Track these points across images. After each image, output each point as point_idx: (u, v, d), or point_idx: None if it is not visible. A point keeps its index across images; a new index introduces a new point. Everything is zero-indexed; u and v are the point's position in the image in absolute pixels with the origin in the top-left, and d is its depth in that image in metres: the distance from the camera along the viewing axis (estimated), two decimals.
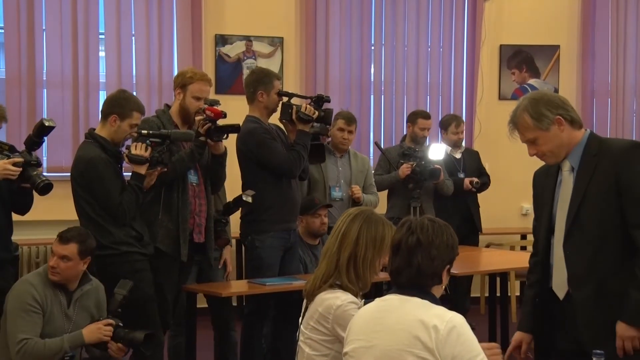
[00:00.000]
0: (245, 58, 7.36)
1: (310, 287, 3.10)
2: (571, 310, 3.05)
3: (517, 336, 3.24)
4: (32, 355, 3.75)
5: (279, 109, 5.00)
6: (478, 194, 6.84)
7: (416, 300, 2.51)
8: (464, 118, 7.66)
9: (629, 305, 2.91)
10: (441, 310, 2.50)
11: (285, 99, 5.03)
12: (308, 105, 4.96)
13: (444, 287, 2.63)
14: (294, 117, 4.91)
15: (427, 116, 6.69)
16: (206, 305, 5.11)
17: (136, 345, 3.97)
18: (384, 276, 3.33)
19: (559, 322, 3.13)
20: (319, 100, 5.05)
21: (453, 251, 2.59)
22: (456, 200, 6.59)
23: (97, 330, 3.86)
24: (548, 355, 3.22)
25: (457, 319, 2.46)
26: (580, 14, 7.98)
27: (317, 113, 4.93)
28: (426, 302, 2.51)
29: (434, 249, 2.52)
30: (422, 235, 2.53)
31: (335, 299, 2.97)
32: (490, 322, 6.13)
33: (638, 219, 2.94)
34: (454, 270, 5.38)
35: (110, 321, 3.89)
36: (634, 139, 7.63)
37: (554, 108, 3.02)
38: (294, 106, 4.96)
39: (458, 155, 6.86)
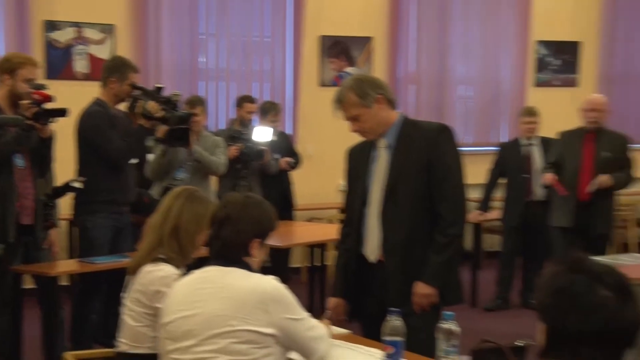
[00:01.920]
0: (75, 44, 6.96)
1: (134, 262, 2.99)
2: (381, 275, 3.09)
3: (331, 302, 3.24)
4: None
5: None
6: (292, 172, 6.91)
7: (236, 270, 2.44)
8: (290, 104, 7.75)
9: (427, 267, 3.00)
10: (259, 276, 2.45)
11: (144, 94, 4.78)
12: (154, 104, 4.71)
13: (260, 259, 2.57)
14: (136, 111, 4.68)
15: (252, 100, 6.69)
16: (34, 286, 4.74)
17: None
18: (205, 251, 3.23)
19: (369, 287, 3.16)
20: (167, 103, 4.79)
21: (262, 225, 2.53)
22: (274, 178, 6.60)
23: None
24: (359, 317, 3.24)
25: (274, 281, 2.43)
26: (389, 9, 8.11)
27: (162, 113, 4.70)
28: (245, 272, 2.45)
29: (241, 223, 2.47)
30: (231, 210, 2.50)
31: (159, 271, 2.86)
32: (310, 290, 6.18)
33: (442, 194, 3.02)
34: (274, 243, 5.41)
35: None
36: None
37: (376, 88, 3.07)
38: (141, 101, 4.71)
39: (275, 138, 6.79)
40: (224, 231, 2.47)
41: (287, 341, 2.39)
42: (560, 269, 1.62)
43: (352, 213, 3.22)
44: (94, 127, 4.65)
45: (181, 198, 2.95)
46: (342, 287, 3.23)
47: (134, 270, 2.94)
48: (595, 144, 5.57)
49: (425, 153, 3.02)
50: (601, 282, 1.57)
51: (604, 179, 5.51)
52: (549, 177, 5.62)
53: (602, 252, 5.44)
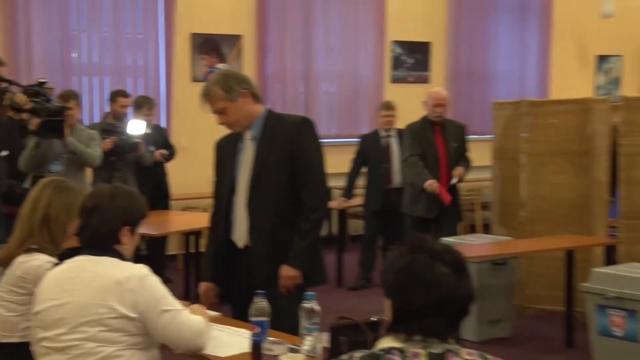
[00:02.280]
0: None
1: (5, 253, 2.85)
2: (249, 260, 3.08)
3: (202, 286, 3.21)
4: None
5: None
6: (168, 164, 6.78)
7: (106, 259, 2.38)
8: (164, 98, 7.60)
9: (292, 251, 3.02)
10: (130, 265, 2.39)
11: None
12: (22, 96, 4.45)
13: (132, 246, 2.50)
14: (4, 103, 4.42)
15: (126, 95, 6.51)
16: None
17: None
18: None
19: (237, 271, 3.14)
20: (37, 95, 4.53)
21: (131, 214, 2.46)
22: (149, 170, 6.46)
23: None
24: (229, 300, 3.23)
25: (144, 270, 2.37)
26: (257, 9, 8.09)
27: (31, 105, 4.44)
28: (116, 260, 2.38)
29: (109, 212, 2.40)
30: (99, 200, 2.43)
31: (35, 260, 2.74)
32: (186, 276, 6.13)
33: (305, 183, 3.04)
34: (149, 232, 5.33)
35: None
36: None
37: (241, 82, 3.05)
38: (9, 93, 4.43)
39: (149, 131, 6.64)
40: (93, 220, 2.40)
41: (152, 330, 2.32)
42: (403, 250, 1.66)
43: (220, 202, 3.19)
44: None
45: (49, 188, 2.84)
46: (212, 271, 3.20)
47: (5, 261, 2.81)
48: (443, 135, 5.75)
49: (288, 144, 3.02)
50: (440, 260, 1.62)
51: (461, 172, 5.70)
52: (435, 185, 5.50)
53: (453, 234, 5.66)
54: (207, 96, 3.03)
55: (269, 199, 3.03)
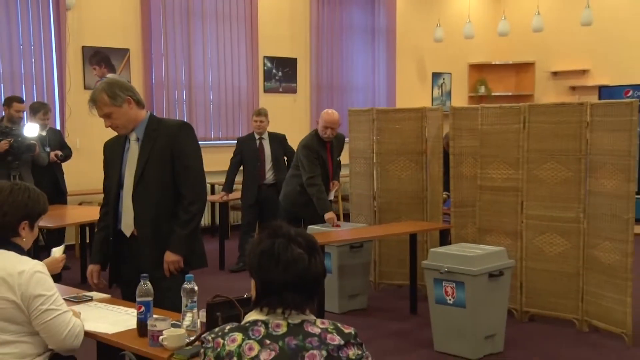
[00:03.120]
0: None
1: None
2: (136, 246, 3.02)
3: (89, 268, 3.11)
4: None
5: None
6: (63, 163, 6.51)
7: (6, 253, 2.28)
8: (57, 104, 7.28)
9: (173, 239, 2.98)
10: (26, 260, 2.30)
11: None
12: None
13: (31, 239, 2.42)
14: None
15: (21, 100, 6.20)
16: None
17: None
18: None
19: (126, 257, 3.07)
20: None
21: (29, 209, 2.37)
22: (45, 168, 6.19)
23: None
24: (118, 284, 3.16)
25: (38, 267, 2.28)
26: (142, 25, 7.88)
27: None
28: (14, 254, 2.29)
29: (6, 207, 2.31)
30: None
31: None
32: (82, 264, 5.99)
33: (184, 179, 2.98)
34: (47, 224, 5.09)
35: None
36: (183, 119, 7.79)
37: (125, 90, 2.96)
38: None
39: (44, 133, 6.34)
40: None
41: (34, 323, 2.24)
42: (263, 235, 1.67)
43: (109, 195, 3.11)
44: None
45: None
46: (98, 255, 3.12)
47: None
48: (331, 152, 5.52)
49: (168, 145, 2.97)
50: (295, 243, 1.64)
51: (337, 186, 5.69)
52: (333, 220, 5.19)
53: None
54: (95, 102, 2.93)
55: (152, 193, 2.97)
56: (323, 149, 5.43)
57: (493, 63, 11.13)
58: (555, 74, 10.71)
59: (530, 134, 4.83)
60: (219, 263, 6.54)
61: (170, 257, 2.98)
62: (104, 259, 3.11)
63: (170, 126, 3.04)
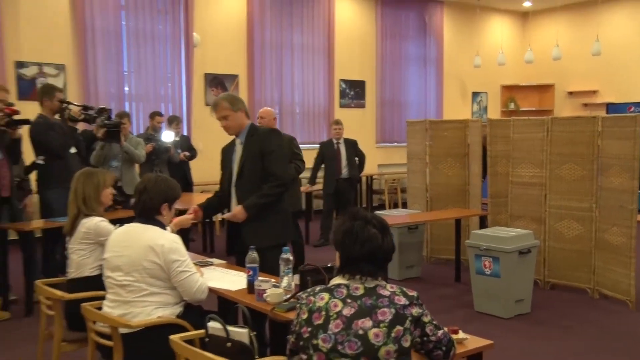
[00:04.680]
0: (38, 77, 6.40)
1: (68, 223, 2.78)
2: (240, 224, 2.95)
3: (195, 206, 3.02)
4: None
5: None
6: (190, 162, 6.64)
7: (153, 227, 2.32)
8: (185, 117, 7.50)
9: (250, 199, 2.90)
10: (167, 233, 2.34)
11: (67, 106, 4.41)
12: (76, 110, 4.39)
13: (169, 217, 2.45)
14: (65, 117, 4.32)
15: (160, 114, 6.41)
16: (16, 238, 4.33)
17: None
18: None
19: (238, 232, 2.99)
20: (85, 108, 4.47)
21: (168, 194, 2.39)
22: (177, 165, 6.36)
23: None
24: (233, 253, 3.13)
25: (175, 238, 2.32)
26: (246, 57, 7.93)
27: (82, 116, 4.40)
28: (158, 228, 2.32)
29: (152, 192, 2.36)
30: (147, 184, 2.38)
31: (92, 219, 2.72)
32: (203, 237, 6.15)
33: (271, 170, 2.92)
34: (179, 207, 5.22)
35: None
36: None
37: (240, 102, 2.95)
38: (67, 109, 4.36)
39: (177, 139, 6.51)
40: (142, 198, 2.35)
41: (172, 281, 2.27)
42: (345, 217, 1.64)
43: (223, 184, 3.11)
44: (38, 133, 4.30)
45: (81, 177, 2.79)
46: (204, 204, 3.07)
47: (68, 230, 2.76)
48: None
49: (259, 146, 2.93)
50: (370, 224, 1.61)
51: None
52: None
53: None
54: (216, 106, 2.92)
55: (251, 183, 2.94)
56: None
57: (521, 85, 10.73)
58: (570, 93, 10.27)
59: (552, 140, 4.63)
60: (306, 238, 6.56)
61: (239, 211, 2.90)
62: (206, 209, 3.06)
63: (262, 132, 3.01)
